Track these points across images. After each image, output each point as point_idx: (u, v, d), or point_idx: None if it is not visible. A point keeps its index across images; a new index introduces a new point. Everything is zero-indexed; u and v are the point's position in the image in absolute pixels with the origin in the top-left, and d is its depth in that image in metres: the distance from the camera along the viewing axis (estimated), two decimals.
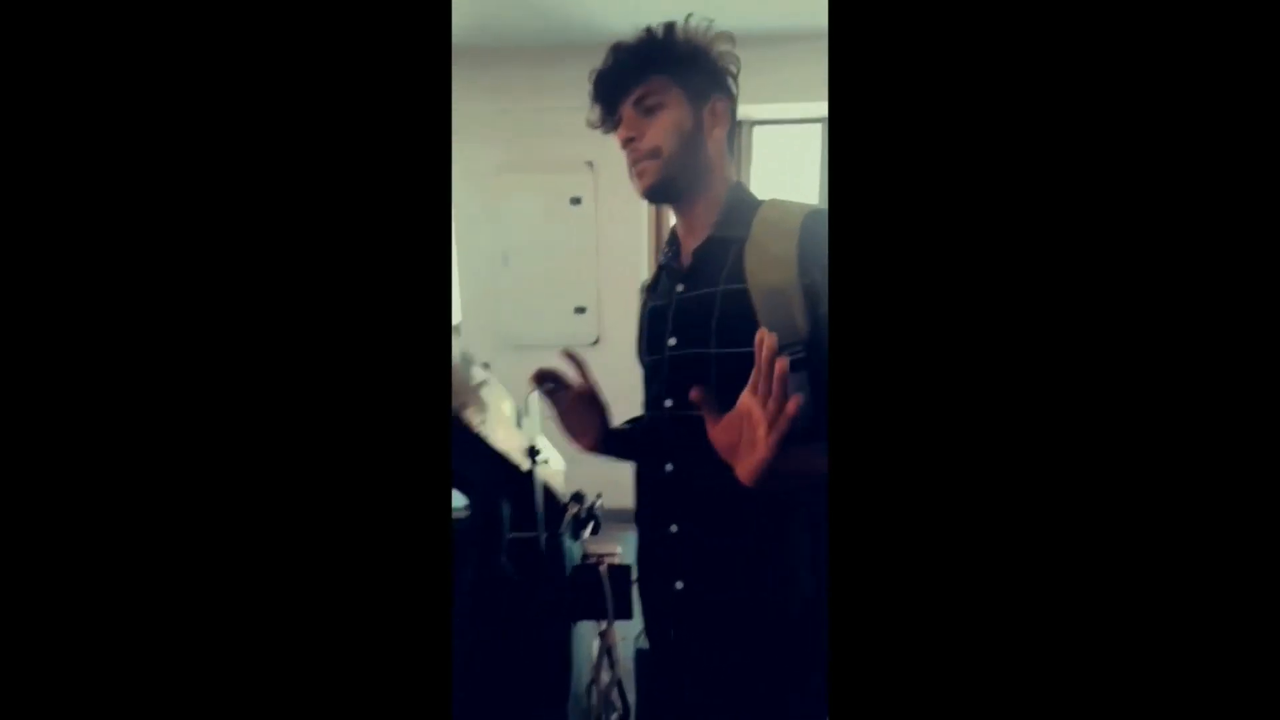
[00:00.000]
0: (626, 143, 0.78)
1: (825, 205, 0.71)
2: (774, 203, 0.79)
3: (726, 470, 0.67)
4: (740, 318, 0.72)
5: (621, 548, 1.21)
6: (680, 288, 0.79)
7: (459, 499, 1.02)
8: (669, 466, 0.80)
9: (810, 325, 0.70)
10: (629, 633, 1.64)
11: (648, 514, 0.85)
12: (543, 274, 2.32)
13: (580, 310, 2.33)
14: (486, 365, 0.87)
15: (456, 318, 2.46)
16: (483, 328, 2.44)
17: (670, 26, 0.80)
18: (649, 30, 0.79)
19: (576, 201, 2.26)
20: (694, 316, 0.77)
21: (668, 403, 0.79)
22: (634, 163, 0.78)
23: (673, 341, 0.79)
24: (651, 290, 0.87)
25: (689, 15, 0.80)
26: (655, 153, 0.76)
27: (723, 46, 0.81)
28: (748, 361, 0.66)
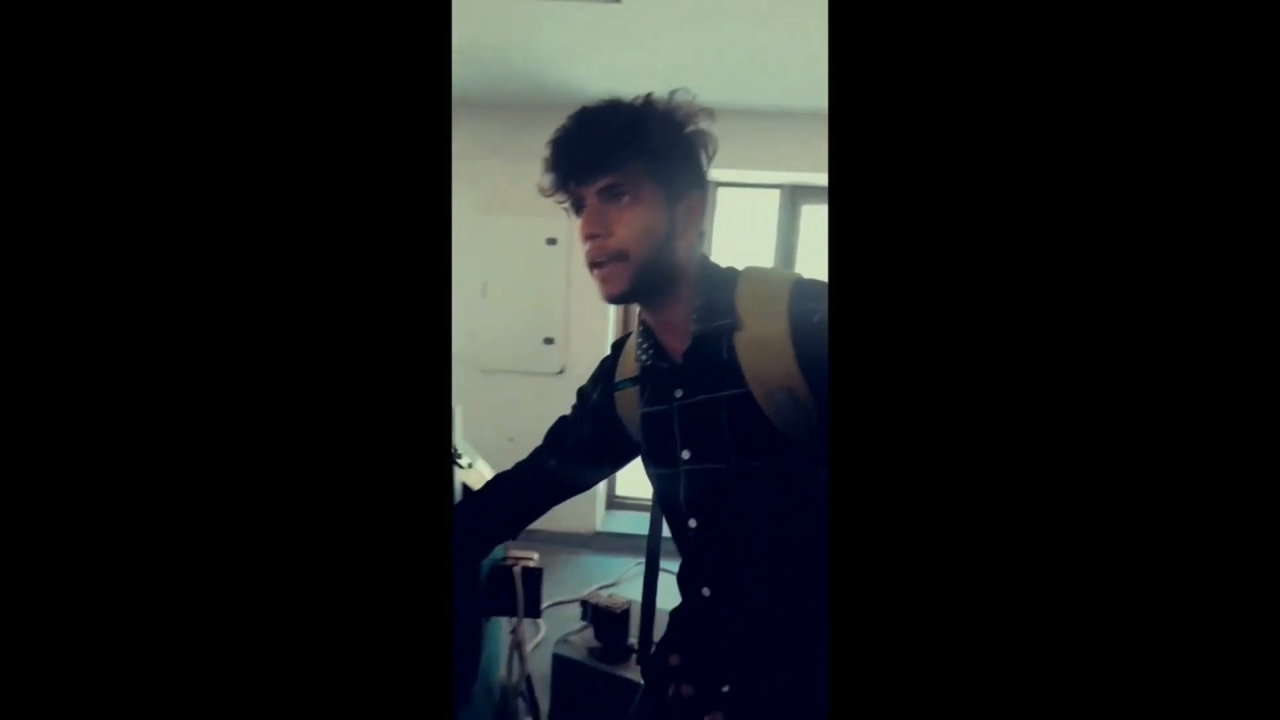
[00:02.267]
0: (589, 238, 0.67)
1: (800, 272, 0.69)
2: (750, 274, 0.71)
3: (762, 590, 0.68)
4: (753, 421, 0.66)
5: (537, 554, 1.35)
6: (679, 394, 0.71)
7: None
8: (705, 591, 0.74)
9: (819, 411, 0.64)
10: (541, 636, 1.76)
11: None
12: (516, 306, 2.51)
13: (549, 341, 2.51)
14: None
15: None
16: (459, 353, 2.62)
17: (648, 102, 0.69)
18: (621, 104, 0.68)
19: (552, 242, 2.46)
20: (704, 427, 0.69)
21: (691, 523, 0.72)
22: (596, 262, 0.68)
23: (686, 455, 0.71)
24: (642, 392, 0.77)
25: (673, 91, 0.70)
26: (622, 255, 0.67)
27: (703, 124, 0.70)
28: (769, 474, 0.65)
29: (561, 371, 2.52)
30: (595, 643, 1.52)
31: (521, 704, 1.44)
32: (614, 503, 2.83)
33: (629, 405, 0.79)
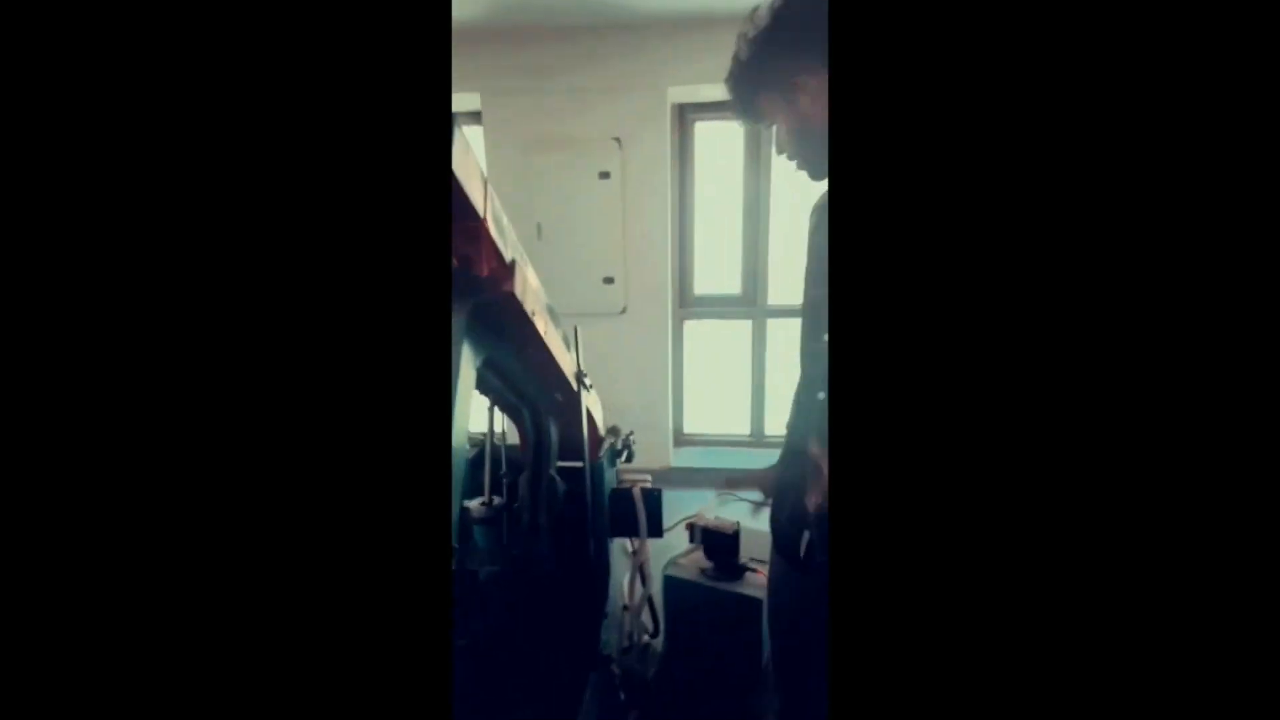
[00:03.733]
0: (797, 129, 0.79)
1: None
2: None
3: None
4: None
5: (650, 476, 1.35)
6: None
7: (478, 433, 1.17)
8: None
9: None
10: (660, 556, 1.78)
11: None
12: (573, 245, 2.46)
13: (608, 280, 2.47)
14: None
15: None
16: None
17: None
18: (765, 10, 0.78)
19: (605, 176, 2.39)
20: None
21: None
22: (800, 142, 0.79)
23: None
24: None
25: None
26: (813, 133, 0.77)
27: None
28: None
29: (624, 311, 2.49)
30: (706, 563, 1.53)
31: (644, 621, 1.47)
32: (681, 440, 2.84)
33: None
